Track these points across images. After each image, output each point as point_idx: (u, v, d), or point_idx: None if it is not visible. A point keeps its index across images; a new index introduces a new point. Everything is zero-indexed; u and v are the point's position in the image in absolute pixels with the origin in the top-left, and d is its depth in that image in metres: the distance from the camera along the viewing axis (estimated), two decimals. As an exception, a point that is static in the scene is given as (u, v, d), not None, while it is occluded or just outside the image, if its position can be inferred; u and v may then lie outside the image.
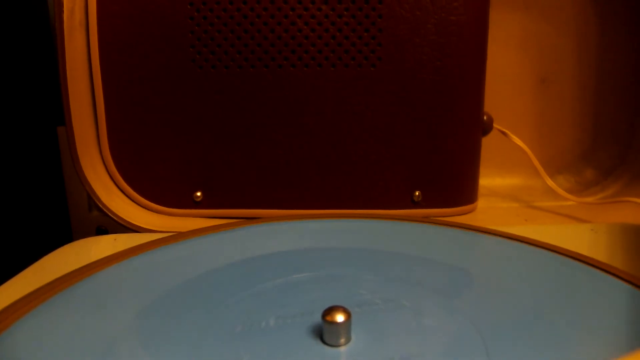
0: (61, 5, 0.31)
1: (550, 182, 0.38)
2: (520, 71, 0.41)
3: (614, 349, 0.17)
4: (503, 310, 0.20)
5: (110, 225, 0.43)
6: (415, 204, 0.35)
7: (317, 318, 0.19)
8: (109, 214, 0.34)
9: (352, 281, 0.23)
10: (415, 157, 0.34)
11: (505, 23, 0.40)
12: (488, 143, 0.38)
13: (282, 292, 0.22)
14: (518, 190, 0.42)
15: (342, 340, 0.18)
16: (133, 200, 0.35)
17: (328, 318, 0.18)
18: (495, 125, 0.37)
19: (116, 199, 0.34)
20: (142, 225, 0.34)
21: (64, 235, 0.46)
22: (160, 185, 0.35)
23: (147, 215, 0.35)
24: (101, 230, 0.45)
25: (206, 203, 0.35)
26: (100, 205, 0.33)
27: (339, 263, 0.25)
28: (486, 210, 0.38)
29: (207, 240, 0.28)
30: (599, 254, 0.26)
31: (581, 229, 0.31)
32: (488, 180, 0.43)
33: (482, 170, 0.37)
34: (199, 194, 0.35)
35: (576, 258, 0.24)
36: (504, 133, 0.38)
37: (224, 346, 0.18)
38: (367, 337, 0.18)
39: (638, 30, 0.40)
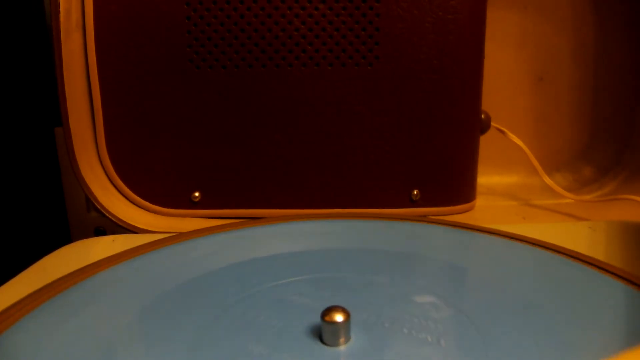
0: (57, 6, 0.31)
1: (548, 180, 0.38)
2: (517, 69, 0.41)
3: (611, 347, 0.17)
4: (501, 308, 0.20)
5: (109, 226, 0.43)
6: (413, 203, 0.35)
7: (317, 318, 0.19)
8: (107, 215, 0.34)
9: (350, 281, 0.23)
10: (413, 155, 0.34)
11: (502, 22, 0.40)
12: (486, 141, 0.38)
13: (281, 292, 0.22)
14: (516, 189, 0.42)
15: (342, 340, 0.18)
16: (131, 201, 0.35)
17: (327, 318, 0.18)
18: (493, 123, 0.37)
19: (114, 200, 0.34)
20: (140, 226, 0.34)
21: (62, 236, 0.46)
22: (158, 186, 0.35)
23: (145, 215, 0.35)
24: (99, 231, 0.45)
25: (204, 203, 0.35)
26: (98, 206, 0.33)
27: (338, 263, 0.25)
28: (484, 208, 0.38)
29: (206, 241, 0.28)
30: (597, 252, 0.26)
31: (579, 226, 0.31)
32: (486, 179, 0.43)
33: (480, 168, 0.37)
34: (196, 194, 0.35)
35: (574, 256, 0.24)
36: (501, 131, 0.38)
37: (223, 347, 0.18)
38: (366, 337, 0.18)
39: (635, 29, 0.40)
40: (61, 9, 0.31)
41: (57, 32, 0.31)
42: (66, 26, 0.32)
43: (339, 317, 0.17)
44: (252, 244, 0.27)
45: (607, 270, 0.22)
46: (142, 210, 0.35)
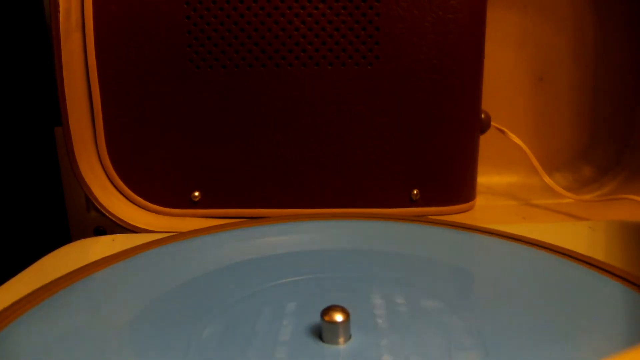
0: (57, 6, 0.31)
1: (548, 180, 0.38)
2: (517, 69, 0.41)
3: (610, 347, 0.17)
4: (500, 309, 0.20)
5: (108, 225, 0.43)
6: (413, 203, 0.35)
7: (317, 318, 0.19)
8: (107, 215, 0.34)
9: (351, 281, 0.23)
10: (413, 155, 0.34)
11: (502, 21, 0.40)
12: (486, 141, 0.38)
13: (281, 292, 0.22)
14: (516, 188, 0.42)
15: (341, 340, 0.18)
16: (131, 201, 0.35)
17: (327, 318, 0.18)
18: (493, 123, 0.37)
19: (114, 200, 0.34)
20: (140, 226, 0.34)
21: (62, 236, 0.46)
22: (158, 186, 0.35)
23: (145, 215, 0.35)
24: (99, 231, 0.45)
25: (204, 203, 0.35)
26: (98, 206, 0.33)
27: (338, 263, 0.25)
28: (484, 208, 0.38)
29: (206, 241, 0.28)
30: (597, 252, 0.26)
31: (579, 226, 0.31)
32: (486, 178, 0.43)
33: (480, 168, 0.37)
34: (196, 193, 0.35)
35: (573, 257, 0.24)
36: (501, 131, 0.38)
37: (223, 347, 0.18)
38: (366, 336, 0.18)
39: (635, 29, 0.40)
40: (61, 9, 0.31)
41: (57, 32, 0.31)
42: (66, 26, 0.32)
43: (338, 317, 0.17)
44: (252, 244, 0.27)
45: (606, 271, 0.22)
46: (142, 210, 0.35)
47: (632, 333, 0.18)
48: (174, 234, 0.29)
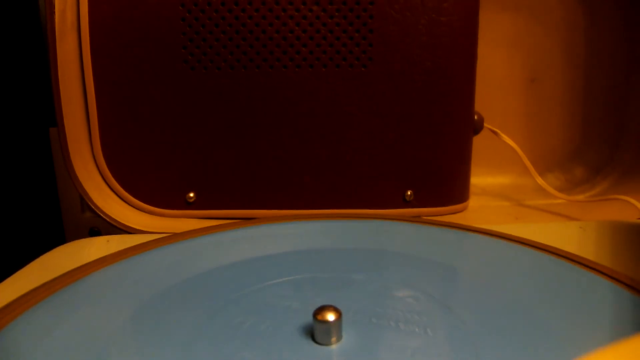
0: (52, 6, 0.31)
1: (540, 181, 0.38)
2: (510, 71, 0.42)
3: (598, 344, 0.17)
4: (492, 308, 0.20)
5: (103, 226, 0.43)
6: (407, 204, 0.35)
7: (308, 318, 0.19)
8: (102, 215, 0.34)
9: (343, 281, 0.23)
10: (406, 156, 0.35)
11: (495, 23, 0.40)
12: (479, 142, 0.38)
13: (273, 292, 0.22)
14: (509, 189, 0.42)
15: (333, 339, 0.18)
16: (126, 202, 0.35)
17: (319, 317, 0.18)
18: (485, 124, 0.37)
19: (109, 200, 0.34)
20: (134, 227, 0.34)
21: (56, 236, 0.46)
22: (153, 186, 0.35)
23: (139, 216, 0.35)
24: (94, 232, 0.45)
25: (199, 204, 0.35)
26: (93, 207, 0.34)
27: (330, 263, 0.25)
28: (477, 209, 0.38)
29: (201, 242, 0.28)
30: (587, 251, 0.26)
31: (570, 226, 0.32)
32: (479, 179, 0.43)
33: (473, 169, 0.37)
34: (191, 194, 0.35)
35: (563, 256, 0.24)
36: (494, 132, 0.39)
37: (216, 346, 0.18)
38: (358, 336, 0.18)
39: (625, 31, 0.40)
40: (56, 10, 0.31)
41: (52, 33, 0.31)
42: (61, 27, 0.32)
43: (330, 316, 0.18)
44: (245, 245, 0.28)
45: (595, 269, 0.23)
46: (137, 210, 0.35)
47: (619, 331, 0.18)
48: (168, 234, 0.29)
